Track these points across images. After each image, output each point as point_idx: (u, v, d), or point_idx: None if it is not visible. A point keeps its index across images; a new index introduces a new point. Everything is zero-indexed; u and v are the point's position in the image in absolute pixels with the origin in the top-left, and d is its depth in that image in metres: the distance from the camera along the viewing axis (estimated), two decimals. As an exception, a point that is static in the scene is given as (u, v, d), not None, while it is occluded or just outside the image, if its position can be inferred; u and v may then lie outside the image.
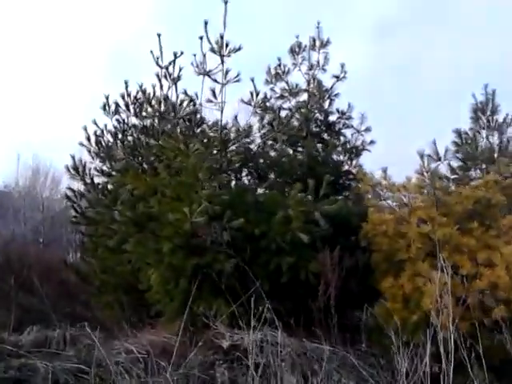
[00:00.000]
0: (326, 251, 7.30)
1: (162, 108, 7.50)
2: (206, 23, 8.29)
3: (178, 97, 9.70)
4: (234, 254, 6.97)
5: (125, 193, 7.51)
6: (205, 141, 7.72)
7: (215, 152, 7.79)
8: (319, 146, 11.07)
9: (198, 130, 7.77)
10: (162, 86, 10.04)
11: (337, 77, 11.58)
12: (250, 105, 9.30)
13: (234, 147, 8.21)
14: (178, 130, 7.57)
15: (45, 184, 27.71)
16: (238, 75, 8.51)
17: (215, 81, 8.17)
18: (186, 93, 8.18)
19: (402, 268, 7.26)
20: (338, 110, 11.50)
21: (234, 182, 9.14)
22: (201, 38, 8.99)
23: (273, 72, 11.26)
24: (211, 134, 8.06)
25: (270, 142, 9.86)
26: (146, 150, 8.73)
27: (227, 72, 8.23)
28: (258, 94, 9.14)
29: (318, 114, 11.44)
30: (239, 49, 8.61)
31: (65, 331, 8.97)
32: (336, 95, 11.66)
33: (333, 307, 7.20)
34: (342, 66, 11.58)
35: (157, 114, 8.52)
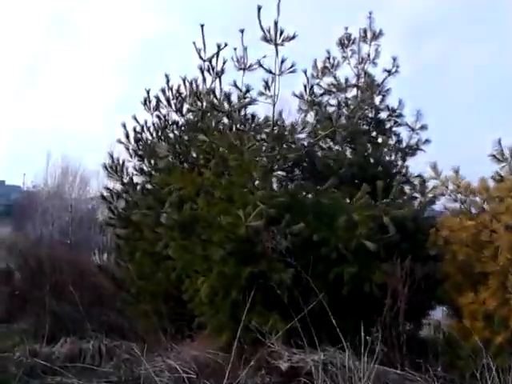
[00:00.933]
0: (395, 260, 6.43)
1: (211, 101, 6.74)
2: (259, 9, 7.49)
3: (221, 91, 8.99)
4: (294, 262, 6.13)
5: (174, 194, 6.74)
6: (260, 137, 6.93)
7: (269, 149, 6.99)
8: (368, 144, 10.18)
9: (253, 125, 6.99)
10: (205, 80, 9.33)
11: (388, 71, 10.65)
12: (302, 98, 8.48)
13: (285, 145, 7.37)
14: (232, 125, 6.78)
15: (73, 184, 27.26)
16: (292, 65, 7.71)
17: (269, 71, 7.35)
18: (235, 84, 7.39)
19: (482, 281, 6.35)
20: (388, 107, 10.60)
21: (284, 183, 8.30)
22: (242, 30, 8.37)
23: (320, 65, 10.38)
24: (266, 130, 7.26)
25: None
26: (193, 146, 7.97)
27: (282, 61, 7.43)
28: (312, 87, 8.33)
29: (367, 111, 10.53)
30: (293, 37, 7.80)
31: (100, 343, 8.28)
32: (387, 91, 10.74)
33: (401, 324, 6.35)
34: (394, 59, 10.65)
35: (205, 107, 7.74)
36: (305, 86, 8.30)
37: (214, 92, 7.69)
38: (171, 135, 9.46)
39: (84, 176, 27.16)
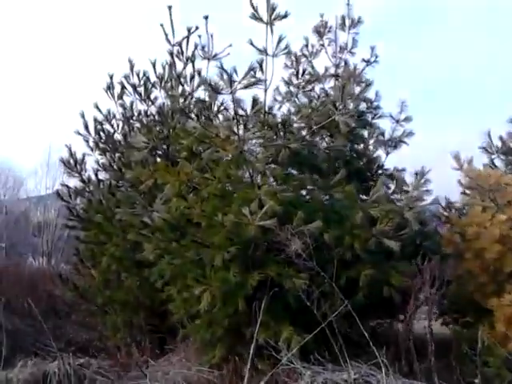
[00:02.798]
0: (419, 260, 5.62)
1: (207, 82, 5.64)
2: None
3: (193, 77, 7.89)
4: (313, 265, 5.16)
5: (168, 190, 5.59)
6: (259, 125, 5.90)
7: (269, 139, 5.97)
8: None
9: (253, 111, 5.93)
10: (174, 65, 8.20)
11: (367, 61, 9.87)
12: (292, 85, 7.54)
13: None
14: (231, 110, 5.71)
15: (6, 185, 24.93)
16: (286, 47, 6.71)
17: (264, 51, 6.32)
18: (222, 67, 6.31)
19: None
20: (365, 99, 9.84)
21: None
22: (206, 17, 7.39)
23: (298, 54, 9.45)
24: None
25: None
26: (174, 138, 6.83)
27: (280, 40, 6.42)
28: (304, 72, 7.41)
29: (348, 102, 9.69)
30: (285, 16, 6.81)
31: (66, 363, 6.96)
32: (367, 82, 9.96)
33: (429, 333, 5.54)
34: (372, 48, 9.90)
35: (190, 92, 6.63)
36: (297, 72, 7.32)
37: (199, 74, 6.56)
38: (141, 125, 8.25)
39: (18, 176, 24.88)
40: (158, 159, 7.89)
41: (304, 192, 6.48)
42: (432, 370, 5.45)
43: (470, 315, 6.11)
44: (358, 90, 9.74)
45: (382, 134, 9.52)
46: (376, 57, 9.92)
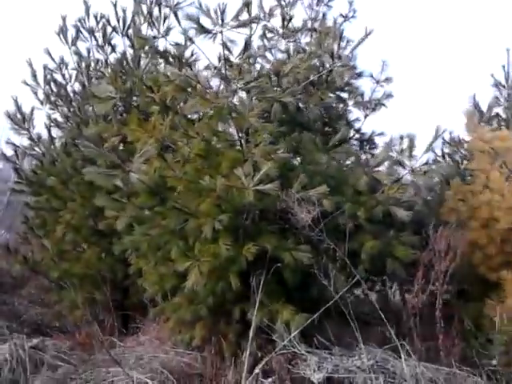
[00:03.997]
0: (430, 230, 5.00)
1: (194, 18, 4.66)
2: None
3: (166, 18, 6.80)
4: (321, 236, 4.42)
5: (148, 148, 4.61)
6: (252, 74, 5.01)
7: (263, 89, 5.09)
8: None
9: (245, 56, 5.01)
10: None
11: (344, 16, 9.02)
12: (276, 33, 6.64)
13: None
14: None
15: None
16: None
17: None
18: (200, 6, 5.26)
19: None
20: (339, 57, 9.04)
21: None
22: None
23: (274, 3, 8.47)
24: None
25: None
26: (145, 89, 5.81)
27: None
28: (290, 20, 6.52)
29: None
30: None
31: (18, 346, 5.97)
32: (343, 39, 9.13)
33: (439, 309, 4.96)
34: (351, 3, 9.05)
35: (162, 35, 5.58)
36: (283, 19, 6.41)
37: (176, 14, 5.51)
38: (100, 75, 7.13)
39: None
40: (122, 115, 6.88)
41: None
42: (440, 350, 4.91)
43: (474, 289, 5.59)
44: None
45: (361, 95, 8.77)
46: (354, 12, 9.06)
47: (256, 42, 5.96)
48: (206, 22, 5.02)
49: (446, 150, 6.90)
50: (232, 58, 5.16)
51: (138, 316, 6.84)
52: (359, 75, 6.76)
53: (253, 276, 4.86)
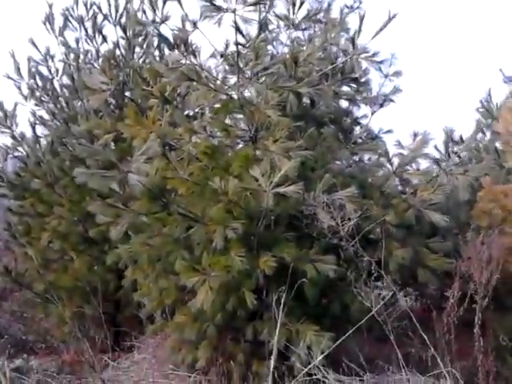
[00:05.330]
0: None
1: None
2: None
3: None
4: (351, 246, 3.76)
5: (151, 145, 3.91)
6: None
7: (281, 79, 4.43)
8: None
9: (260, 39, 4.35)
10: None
11: (350, 7, 8.37)
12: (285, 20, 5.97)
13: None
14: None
15: None
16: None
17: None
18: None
19: None
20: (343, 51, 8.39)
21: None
22: None
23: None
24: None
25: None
26: (139, 82, 5.14)
27: None
28: (302, 4, 5.85)
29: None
30: None
31: (0, 370, 5.22)
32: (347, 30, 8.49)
33: (478, 326, 4.34)
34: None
35: (162, 20, 4.88)
36: (293, 3, 5.73)
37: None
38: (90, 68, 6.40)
39: None
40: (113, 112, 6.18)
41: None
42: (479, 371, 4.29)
43: (510, 300, 4.98)
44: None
45: (370, 90, 8.12)
46: (360, 2, 8.41)
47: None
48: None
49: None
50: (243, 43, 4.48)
51: (132, 331, 6.12)
52: (380, 63, 6.10)
53: (267, 291, 4.19)
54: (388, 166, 4.79)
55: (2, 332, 6.39)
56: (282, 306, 3.74)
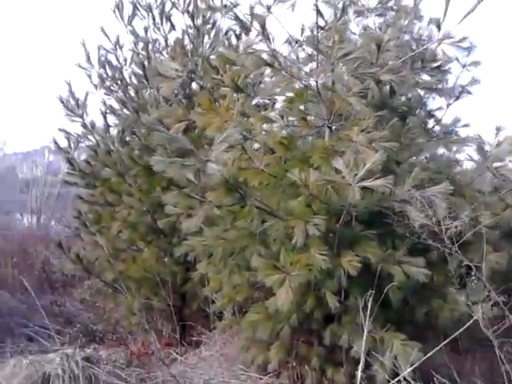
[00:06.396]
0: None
1: None
2: None
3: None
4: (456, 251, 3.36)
5: (231, 132, 3.64)
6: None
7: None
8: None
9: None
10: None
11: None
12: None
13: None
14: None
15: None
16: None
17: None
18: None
19: None
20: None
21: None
22: None
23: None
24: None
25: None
26: (207, 70, 4.89)
27: None
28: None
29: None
30: None
31: (71, 359, 5.15)
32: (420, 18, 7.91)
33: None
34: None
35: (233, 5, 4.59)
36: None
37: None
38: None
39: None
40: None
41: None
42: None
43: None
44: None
45: (446, 81, 7.50)
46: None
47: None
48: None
49: None
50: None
51: (199, 326, 5.94)
52: (469, 50, 5.56)
53: (346, 293, 3.86)
54: (479, 160, 4.33)
55: (72, 319, 6.37)
56: (368, 311, 3.38)
